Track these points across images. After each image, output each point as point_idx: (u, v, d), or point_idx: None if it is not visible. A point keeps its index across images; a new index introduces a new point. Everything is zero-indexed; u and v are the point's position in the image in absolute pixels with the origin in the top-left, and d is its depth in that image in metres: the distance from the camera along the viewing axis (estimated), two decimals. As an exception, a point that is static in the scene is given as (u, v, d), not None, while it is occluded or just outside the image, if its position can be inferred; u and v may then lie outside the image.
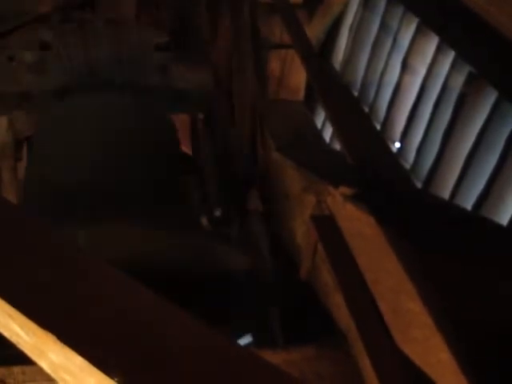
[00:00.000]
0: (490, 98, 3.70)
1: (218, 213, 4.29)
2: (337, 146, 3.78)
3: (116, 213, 3.00)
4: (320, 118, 5.24)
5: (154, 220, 3.05)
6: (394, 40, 4.95)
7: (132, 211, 3.09)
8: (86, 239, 2.50)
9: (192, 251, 2.81)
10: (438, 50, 4.35)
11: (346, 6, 5.48)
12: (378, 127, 4.88)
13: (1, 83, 3.74)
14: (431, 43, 4.44)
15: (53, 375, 1.16)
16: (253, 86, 3.53)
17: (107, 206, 3.06)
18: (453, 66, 4.16)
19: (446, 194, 3.91)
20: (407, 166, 4.45)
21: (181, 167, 3.73)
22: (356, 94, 5.44)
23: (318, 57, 3.49)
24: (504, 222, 3.34)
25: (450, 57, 4.20)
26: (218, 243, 3.02)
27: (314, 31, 4.69)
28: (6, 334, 1.18)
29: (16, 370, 2.01)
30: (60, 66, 3.72)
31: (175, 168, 3.59)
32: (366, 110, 5.21)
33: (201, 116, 4.47)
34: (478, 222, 2.34)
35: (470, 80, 3.91)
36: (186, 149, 5.05)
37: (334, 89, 3.14)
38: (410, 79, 4.68)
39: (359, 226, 2.20)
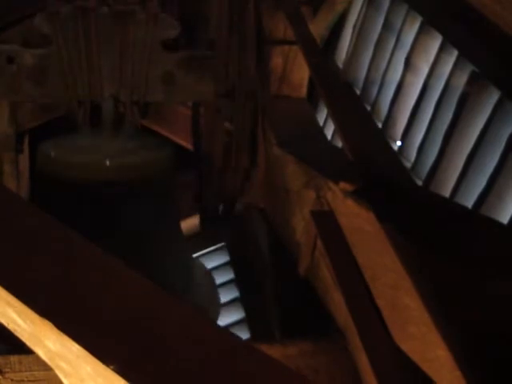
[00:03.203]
0: (493, 97, 3.69)
1: (215, 209, 4.30)
2: (338, 143, 3.78)
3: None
4: (322, 114, 5.23)
5: None
6: (398, 38, 4.93)
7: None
8: None
9: None
10: (442, 49, 4.34)
11: (350, 3, 5.47)
12: (380, 125, 4.87)
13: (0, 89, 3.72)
14: (435, 42, 4.43)
15: (49, 363, 1.16)
16: (255, 81, 3.53)
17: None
18: (456, 65, 4.15)
19: (446, 193, 3.90)
20: (408, 164, 4.44)
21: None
22: (358, 91, 5.43)
23: (321, 54, 3.49)
24: (504, 220, 3.34)
25: (453, 56, 4.19)
26: None
27: (318, 28, 4.68)
28: (4, 322, 1.19)
29: (13, 359, 2.01)
30: (60, 78, 3.68)
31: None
32: (368, 107, 5.20)
33: (202, 111, 4.46)
34: (478, 220, 2.34)
35: (473, 79, 3.90)
36: (187, 143, 5.05)
37: (336, 86, 3.14)
38: (412, 78, 4.67)
39: (359, 222, 2.20)
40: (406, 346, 1.93)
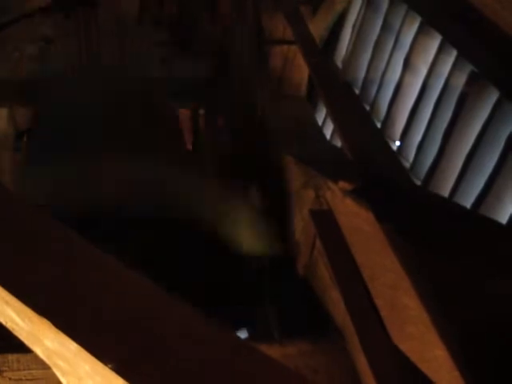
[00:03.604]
0: (492, 97, 3.69)
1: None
2: (337, 143, 3.78)
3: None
4: (321, 114, 5.23)
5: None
6: (397, 39, 4.93)
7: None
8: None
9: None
10: (440, 49, 4.34)
11: (349, 3, 5.48)
12: (379, 125, 4.87)
13: (2, 72, 3.75)
14: (433, 42, 4.43)
15: (47, 361, 1.16)
16: (255, 81, 3.53)
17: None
18: (454, 65, 4.14)
19: (445, 193, 3.90)
20: (407, 164, 4.44)
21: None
22: (357, 91, 5.43)
23: (320, 53, 3.49)
24: (503, 220, 3.33)
25: (452, 56, 4.18)
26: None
27: (317, 28, 4.68)
28: (2, 320, 1.18)
29: (11, 358, 2.02)
30: (60, 55, 3.72)
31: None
32: (367, 107, 5.20)
33: (201, 111, 4.46)
34: (476, 220, 2.34)
35: (472, 79, 3.89)
36: (188, 144, 5.04)
37: (335, 86, 3.14)
38: (411, 78, 4.66)
39: (358, 222, 2.20)
40: (404, 346, 1.93)
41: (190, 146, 4.82)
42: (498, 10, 2.98)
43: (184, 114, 4.57)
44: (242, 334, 2.90)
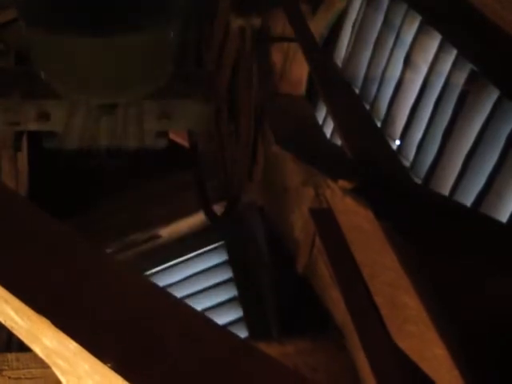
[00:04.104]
0: (492, 96, 3.69)
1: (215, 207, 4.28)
2: (338, 141, 3.77)
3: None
4: (321, 112, 5.23)
5: None
6: (397, 37, 4.93)
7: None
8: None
9: None
10: (441, 48, 4.34)
11: (349, 1, 5.47)
12: (379, 124, 4.87)
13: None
14: (434, 41, 4.43)
15: (46, 360, 1.16)
16: (254, 78, 3.52)
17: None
18: (455, 64, 4.14)
19: (445, 192, 3.90)
20: (407, 163, 4.44)
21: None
22: (357, 90, 5.43)
23: (320, 51, 3.49)
24: (504, 219, 3.34)
25: (452, 55, 4.18)
26: None
27: (317, 26, 4.67)
28: (1, 319, 1.18)
29: (10, 357, 2.01)
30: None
31: None
32: (367, 106, 5.20)
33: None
34: (477, 219, 2.33)
35: (472, 78, 3.90)
36: (184, 142, 5.05)
37: (335, 84, 3.14)
38: (411, 77, 4.66)
39: (357, 220, 2.20)
40: (404, 345, 1.93)
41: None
42: (497, 10, 2.98)
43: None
44: (241, 333, 2.91)
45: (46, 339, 1.10)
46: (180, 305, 1.15)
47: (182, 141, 5.08)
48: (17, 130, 4.30)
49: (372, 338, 1.98)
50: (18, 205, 1.35)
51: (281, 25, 3.63)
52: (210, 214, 4.27)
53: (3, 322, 1.19)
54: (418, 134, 4.48)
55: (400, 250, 1.98)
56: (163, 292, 1.17)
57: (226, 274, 5.36)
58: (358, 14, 5.55)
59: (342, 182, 2.26)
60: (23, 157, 4.97)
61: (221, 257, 5.54)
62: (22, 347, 1.31)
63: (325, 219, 2.34)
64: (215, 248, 5.60)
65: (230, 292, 5.16)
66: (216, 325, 1.15)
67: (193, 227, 5.59)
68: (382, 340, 1.96)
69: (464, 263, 1.96)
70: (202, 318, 1.14)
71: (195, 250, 5.59)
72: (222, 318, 4.69)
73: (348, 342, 2.19)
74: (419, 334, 1.85)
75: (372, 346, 1.96)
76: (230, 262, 5.39)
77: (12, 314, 1.13)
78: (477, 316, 1.76)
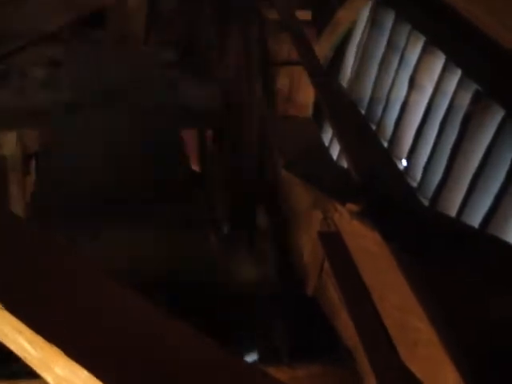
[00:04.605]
0: (497, 116, 3.71)
1: (226, 229, 4.29)
2: (344, 163, 3.79)
3: (124, 218, 3.03)
4: (327, 134, 5.25)
5: (163, 221, 3.09)
6: (401, 58, 4.97)
7: (141, 214, 3.13)
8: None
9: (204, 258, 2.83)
10: (445, 68, 4.37)
11: (353, 23, 5.52)
12: (385, 145, 4.89)
13: (13, 98, 3.77)
14: (438, 61, 4.46)
15: (58, 389, 1.16)
16: (261, 102, 3.55)
17: (115, 213, 3.09)
18: (459, 84, 4.17)
19: (452, 212, 3.90)
20: (414, 183, 4.45)
21: (190, 178, 3.77)
22: (363, 111, 5.45)
23: (325, 74, 3.51)
24: (510, 239, 3.33)
25: (456, 75, 4.21)
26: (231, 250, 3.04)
27: (322, 48, 4.72)
28: (14, 349, 1.19)
29: (22, 384, 2.02)
30: (72, 82, 3.74)
31: (185, 178, 3.63)
32: (373, 127, 5.22)
33: (209, 132, 4.49)
34: (484, 240, 2.33)
35: (477, 98, 3.91)
36: (194, 165, 5.06)
37: (341, 106, 3.15)
38: (416, 97, 4.69)
39: (365, 243, 2.20)
40: (414, 367, 1.92)
41: (197, 167, 4.85)
42: (500, 31, 3.01)
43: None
44: (251, 357, 2.89)
45: (57, 368, 1.11)
46: (190, 332, 1.15)
47: (192, 163, 5.11)
48: (25, 154, 4.34)
49: (382, 360, 1.98)
50: (27, 232, 1.36)
51: (286, 49, 3.66)
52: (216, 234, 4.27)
53: (16, 352, 1.20)
54: (424, 154, 4.49)
55: (408, 271, 1.98)
56: (174, 319, 1.18)
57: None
58: (362, 36, 5.59)
59: (349, 205, 2.27)
60: (32, 180, 4.99)
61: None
62: (33, 374, 1.32)
63: (333, 243, 2.35)
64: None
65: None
66: (223, 350, 1.15)
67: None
68: (392, 363, 1.96)
69: (472, 284, 1.96)
70: (209, 343, 1.14)
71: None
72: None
73: (358, 365, 2.18)
74: (430, 357, 1.84)
75: (382, 369, 1.95)
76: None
77: (25, 344, 1.14)
78: (487, 337, 1.76)
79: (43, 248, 1.30)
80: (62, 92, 3.73)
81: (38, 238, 1.33)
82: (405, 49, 4.93)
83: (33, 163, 4.75)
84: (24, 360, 1.17)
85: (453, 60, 4.23)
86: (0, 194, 4.51)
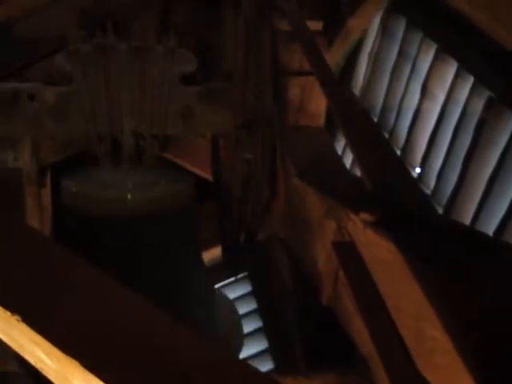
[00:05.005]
0: (510, 122, 3.70)
1: (238, 239, 4.29)
2: (357, 172, 3.79)
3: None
4: (340, 144, 5.25)
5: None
6: (413, 66, 4.97)
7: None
8: None
9: None
10: (457, 76, 4.36)
11: (365, 32, 5.52)
12: (399, 153, 4.88)
13: (22, 126, 3.78)
14: (450, 69, 4.45)
15: (76, 401, 1.17)
16: (273, 112, 3.56)
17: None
18: (472, 91, 4.16)
19: (467, 220, 3.89)
20: (428, 191, 4.44)
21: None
22: (376, 119, 5.45)
23: (337, 83, 3.52)
24: (527, 247, 3.31)
25: (469, 82, 4.20)
26: None
27: (334, 57, 4.72)
28: (32, 361, 1.20)
29: (39, 396, 2.02)
30: (80, 114, 3.73)
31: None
32: (386, 134, 5.21)
33: (221, 142, 4.49)
34: (500, 248, 2.32)
35: (490, 105, 3.90)
36: (207, 174, 5.07)
37: (353, 115, 3.15)
38: (429, 104, 4.68)
39: (380, 252, 2.20)
40: (431, 377, 1.92)
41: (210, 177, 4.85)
42: (504, 36, 3.00)
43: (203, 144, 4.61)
44: (267, 365, 2.90)
45: (75, 380, 1.12)
46: (205, 344, 1.16)
47: (205, 173, 5.11)
48: (41, 166, 4.37)
49: (398, 370, 1.97)
50: (44, 244, 1.37)
51: (297, 59, 3.67)
52: (227, 247, 4.29)
53: (34, 364, 1.21)
54: (437, 162, 4.48)
55: (423, 280, 1.97)
56: (189, 330, 1.18)
57: (251, 306, 5.34)
58: (373, 44, 5.60)
59: (363, 215, 2.27)
60: (47, 193, 5.01)
61: (245, 288, 5.53)
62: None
63: (348, 252, 2.35)
64: (239, 279, 5.60)
65: (255, 323, 5.15)
66: (241, 361, 1.16)
67: (216, 258, 5.59)
68: (408, 372, 1.95)
69: (488, 292, 1.95)
70: (226, 354, 1.14)
71: (219, 282, 5.59)
72: (246, 350, 4.67)
73: (374, 374, 2.18)
74: (446, 366, 1.83)
75: (398, 377, 1.94)
76: (255, 294, 5.38)
77: (42, 355, 1.15)
78: (504, 347, 1.75)
79: (60, 261, 1.31)
80: (71, 124, 3.75)
81: (55, 251, 1.34)
82: (417, 56, 4.93)
83: (48, 175, 4.77)
84: (41, 371, 1.18)
85: (465, 67, 4.22)
86: (16, 206, 4.53)
